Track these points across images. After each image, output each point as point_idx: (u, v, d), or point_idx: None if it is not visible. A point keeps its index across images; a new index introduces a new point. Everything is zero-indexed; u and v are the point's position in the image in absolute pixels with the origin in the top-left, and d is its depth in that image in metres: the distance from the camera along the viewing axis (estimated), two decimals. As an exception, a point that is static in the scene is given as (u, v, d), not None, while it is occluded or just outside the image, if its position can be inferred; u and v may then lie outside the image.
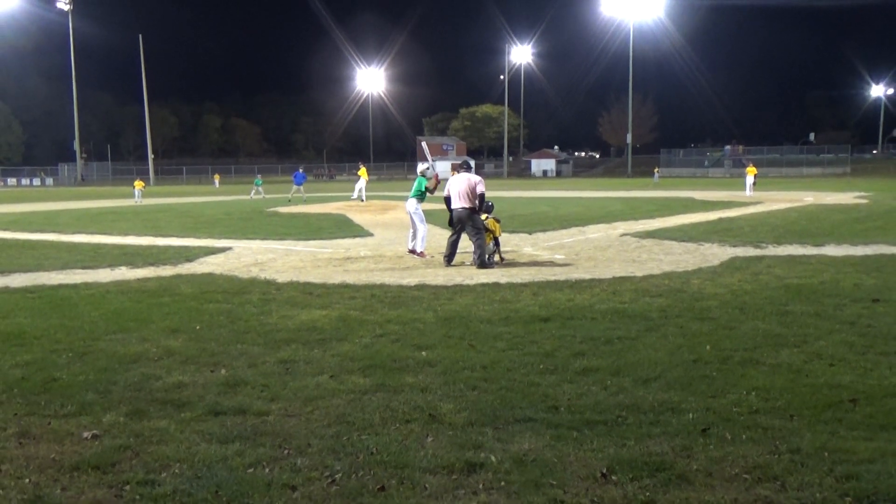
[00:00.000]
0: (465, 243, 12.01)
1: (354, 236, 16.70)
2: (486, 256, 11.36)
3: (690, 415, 4.56)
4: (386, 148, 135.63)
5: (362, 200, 30.00)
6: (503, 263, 11.55)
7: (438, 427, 4.43)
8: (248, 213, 26.37)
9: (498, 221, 12.09)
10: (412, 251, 12.72)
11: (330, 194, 43.50)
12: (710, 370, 5.49)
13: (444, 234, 12.93)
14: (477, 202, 11.43)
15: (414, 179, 13.37)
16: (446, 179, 12.37)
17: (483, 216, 11.72)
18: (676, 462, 3.88)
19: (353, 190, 32.69)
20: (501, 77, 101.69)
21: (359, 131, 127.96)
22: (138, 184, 39.05)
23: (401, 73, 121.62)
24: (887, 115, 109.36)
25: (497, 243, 11.91)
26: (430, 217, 13.25)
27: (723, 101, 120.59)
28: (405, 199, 13.21)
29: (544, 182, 72.63)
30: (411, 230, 12.90)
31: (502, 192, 38.73)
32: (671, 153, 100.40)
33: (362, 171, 32.79)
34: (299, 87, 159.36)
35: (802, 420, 4.46)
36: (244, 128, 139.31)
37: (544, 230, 17.23)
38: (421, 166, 13.27)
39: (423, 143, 18.21)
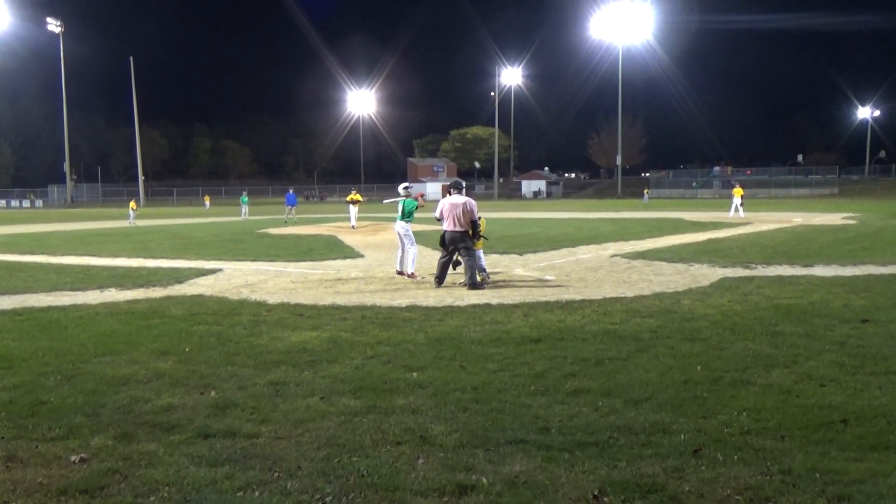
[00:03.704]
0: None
1: (345, 257, 16.70)
2: (477, 277, 11.37)
3: (682, 436, 4.56)
4: (376, 170, 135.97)
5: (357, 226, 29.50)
6: (493, 284, 11.56)
7: (430, 449, 4.42)
8: (238, 234, 26.33)
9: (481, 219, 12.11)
10: (400, 273, 12.74)
11: (321, 216, 43.51)
12: (701, 391, 5.50)
13: (435, 255, 12.94)
14: (470, 228, 11.50)
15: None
16: (435, 200, 12.45)
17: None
18: (668, 483, 3.87)
19: (349, 213, 31.68)
20: (492, 93, 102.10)
21: (349, 153, 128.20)
22: (132, 205, 39.31)
23: (391, 95, 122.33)
24: (874, 136, 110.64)
25: (475, 233, 11.68)
26: (419, 238, 13.26)
27: (711, 123, 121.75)
28: (395, 220, 13.20)
29: (534, 203, 72.88)
30: (399, 251, 12.91)
31: (493, 213, 38.79)
32: (661, 174, 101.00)
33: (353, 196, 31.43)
34: (290, 108, 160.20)
35: (793, 441, 4.47)
36: (234, 150, 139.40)
37: (535, 251, 17.27)
38: (401, 187, 13.23)
39: (385, 201, 18.28)
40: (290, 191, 37.88)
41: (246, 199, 42.87)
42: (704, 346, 6.96)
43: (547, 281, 12.10)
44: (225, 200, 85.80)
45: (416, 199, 13.05)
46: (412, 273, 12.51)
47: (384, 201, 18.74)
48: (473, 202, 11.67)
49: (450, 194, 11.91)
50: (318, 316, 8.86)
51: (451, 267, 11.87)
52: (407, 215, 12.80)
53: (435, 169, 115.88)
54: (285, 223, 33.23)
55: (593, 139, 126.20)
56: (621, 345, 7.05)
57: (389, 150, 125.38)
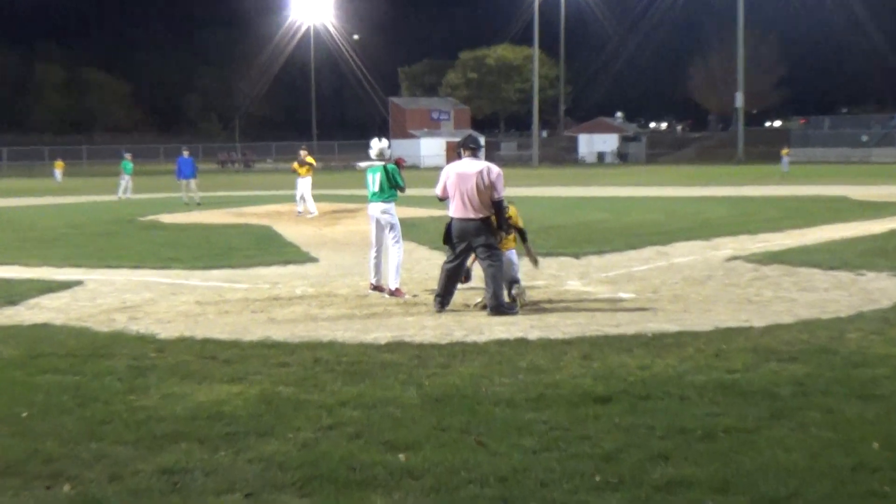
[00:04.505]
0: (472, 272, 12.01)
1: (286, 262, 16.73)
2: (505, 297, 11.33)
3: (848, 558, 4.54)
4: (339, 118, 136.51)
5: (306, 212, 29.09)
6: (532, 306, 11.54)
7: (427, 581, 4.40)
8: (111, 223, 26.39)
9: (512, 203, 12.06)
10: (377, 287, 12.69)
11: (245, 193, 43.58)
12: (879, 482, 5.47)
13: (434, 259, 12.93)
14: (494, 210, 11.26)
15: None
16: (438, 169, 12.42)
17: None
18: None
19: (293, 191, 30.97)
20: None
21: (294, 92, 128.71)
22: None
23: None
24: None
25: (524, 238, 11.93)
26: (408, 230, 13.25)
27: (892, 43, 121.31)
28: (367, 200, 13.19)
29: (600, 171, 73.08)
30: (374, 251, 12.85)
31: (530, 190, 38.92)
32: (809, 124, 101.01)
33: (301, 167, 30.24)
34: (195, 21, 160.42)
35: None
36: (105, 85, 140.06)
37: (601, 252, 17.29)
38: (377, 145, 13.10)
39: (360, 164, 18.20)
40: (185, 153, 37.13)
41: (129, 165, 42.78)
42: (884, 408, 6.94)
43: (621, 300, 12.11)
44: (88, 168, 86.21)
45: (398, 165, 13.00)
46: (396, 288, 12.51)
47: (359, 164, 18.76)
48: (497, 170, 11.52)
49: (459, 157, 11.85)
50: (241, 359, 8.86)
51: (463, 279, 11.86)
52: (388, 191, 12.72)
53: (434, 116, 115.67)
54: (186, 205, 33.33)
55: (696, 68, 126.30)
56: (746, 407, 7.03)
57: (359, 86, 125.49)
